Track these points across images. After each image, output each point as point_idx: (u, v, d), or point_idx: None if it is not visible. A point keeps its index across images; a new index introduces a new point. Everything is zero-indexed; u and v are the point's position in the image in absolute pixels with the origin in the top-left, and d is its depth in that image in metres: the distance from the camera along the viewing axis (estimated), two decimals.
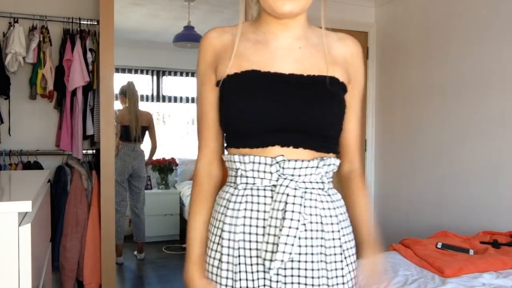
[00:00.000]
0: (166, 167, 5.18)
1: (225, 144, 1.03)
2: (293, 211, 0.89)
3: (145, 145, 4.43)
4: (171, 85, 5.99)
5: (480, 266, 2.02)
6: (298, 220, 0.89)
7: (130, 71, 5.82)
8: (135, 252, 4.36)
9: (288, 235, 0.88)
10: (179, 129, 6.01)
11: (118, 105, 4.34)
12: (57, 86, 2.87)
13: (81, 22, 2.95)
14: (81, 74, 2.80)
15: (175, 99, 5.98)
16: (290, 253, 0.89)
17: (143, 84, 5.83)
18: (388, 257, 2.24)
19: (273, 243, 0.90)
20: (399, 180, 3.80)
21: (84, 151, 2.96)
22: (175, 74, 6.04)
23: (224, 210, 0.97)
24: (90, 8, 3.02)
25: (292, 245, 0.88)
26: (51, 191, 2.70)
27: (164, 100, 6.05)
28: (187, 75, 5.92)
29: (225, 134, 1.03)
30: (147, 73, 5.87)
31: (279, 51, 0.98)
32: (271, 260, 0.90)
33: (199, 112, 1.04)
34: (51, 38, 2.89)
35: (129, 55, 5.61)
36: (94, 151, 3.03)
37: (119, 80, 5.66)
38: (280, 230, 0.89)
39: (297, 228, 0.89)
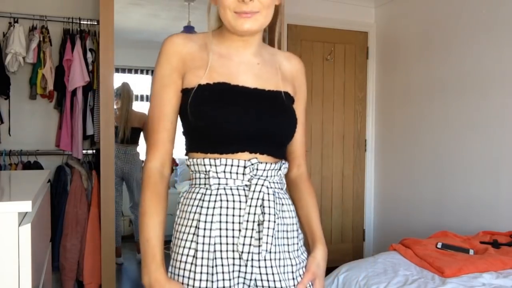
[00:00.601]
0: None
1: (186, 150, 1.09)
2: (269, 207, 1.00)
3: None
4: None
5: (480, 266, 2.02)
6: (275, 214, 1.00)
7: (130, 71, 5.82)
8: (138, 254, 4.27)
9: (268, 228, 0.99)
10: (178, 129, 6.00)
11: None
12: (57, 86, 2.87)
13: (81, 22, 2.95)
14: (81, 74, 2.80)
15: None
16: (271, 244, 0.99)
17: (143, 84, 5.83)
18: (388, 257, 2.24)
19: (251, 237, 0.98)
20: (399, 180, 3.80)
21: (84, 151, 2.96)
22: None
23: (198, 210, 1.01)
24: (90, 8, 3.02)
25: (272, 236, 0.99)
26: (51, 191, 2.70)
27: None
28: None
29: (186, 140, 1.09)
30: (147, 73, 5.87)
31: (241, 66, 1.07)
32: (248, 252, 0.98)
33: (156, 113, 1.06)
34: (51, 38, 2.89)
35: (129, 55, 5.60)
36: (94, 151, 3.03)
37: (119, 80, 5.67)
38: (259, 224, 1.00)
39: (274, 222, 1.00)
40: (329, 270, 2.28)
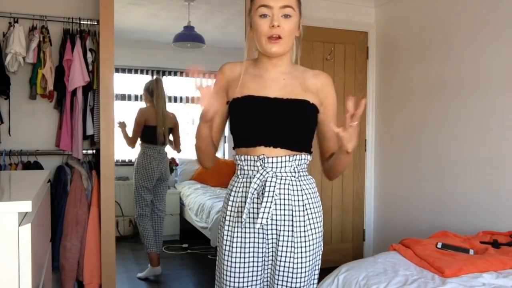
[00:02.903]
0: None
1: (233, 145, 1.50)
2: (268, 191, 1.37)
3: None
4: (171, 85, 5.99)
5: (480, 266, 2.03)
6: (272, 197, 1.36)
7: (130, 71, 5.82)
8: (149, 266, 3.84)
9: (265, 206, 1.35)
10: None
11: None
12: (57, 86, 2.87)
13: (81, 22, 2.95)
14: (81, 74, 2.80)
15: (175, 99, 5.98)
16: (267, 218, 1.35)
17: (143, 84, 5.82)
18: (388, 257, 2.24)
19: (258, 209, 1.39)
20: (399, 180, 3.80)
21: (84, 151, 2.96)
22: (175, 74, 6.04)
23: (230, 192, 1.48)
24: (90, 8, 3.02)
25: (269, 212, 1.35)
26: (51, 191, 2.70)
27: None
28: (187, 75, 5.92)
29: (232, 138, 1.48)
30: (147, 73, 5.87)
31: (268, 82, 1.45)
32: (252, 222, 1.41)
33: None
34: (51, 38, 2.89)
35: (129, 55, 5.60)
36: (94, 151, 3.03)
37: (119, 80, 5.66)
38: (261, 203, 1.37)
39: (271, 202, 1.36)
40: (329, 270, 2.29)
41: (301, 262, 1.39)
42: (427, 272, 2.03)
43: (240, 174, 1.45)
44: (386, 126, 3.97)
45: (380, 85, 4.05)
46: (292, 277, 1.39)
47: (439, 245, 2.32)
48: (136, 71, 5.85)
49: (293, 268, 1.39)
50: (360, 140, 4.10)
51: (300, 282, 1.40)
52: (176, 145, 4.10)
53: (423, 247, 2.28)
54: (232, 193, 1.46)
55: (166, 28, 4.97)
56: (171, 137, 4.06)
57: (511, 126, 2.80)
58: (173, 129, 4.03)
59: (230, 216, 1.45)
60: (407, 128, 3.69)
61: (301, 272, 1.40)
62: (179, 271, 3.99)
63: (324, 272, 2.39)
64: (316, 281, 1.50)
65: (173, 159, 5.53)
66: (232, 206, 1.45)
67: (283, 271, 1.40)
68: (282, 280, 1.40)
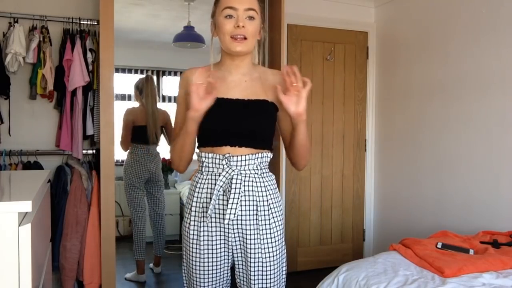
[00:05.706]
0: (166, 167, 5.16)
1: (197, 144, 1.55)
2: (235, 188, 1.44)
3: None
4: (171, 85, 5.99)
5: (480, 266, 2.03)
6: (239, 193, 1.44)
7: (130, 71, 5.83)
8: (151, 265, 3.99)
9: (232, 203, 1.43)
10: None
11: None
12: (57, 86, 2.87)
13: (81, 22, 2.95)
14: (81, 74, 2.80)
15: (175, 99, 5.98)
16: (235, 214, 1.43)
17: None
18: (388, 257, 2.24)
19: (224, 206, 1.47)
20: (399, 180, 3.80)
21: (84, 151, 2.96)
22: (175, 74, 6.04)
23: (194, 189, 1.53)
24: (90, 8, 3.02)
25: (235, 208, 1.43)
26: (51, 191, 2.70)
27: (164, 100, 6.05)
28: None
29: (197, 137, 1.54)
30: (147, 73, 5.87)
31: (231, 84, 1.53)
32: (223, 216, 1.47)
33: (176, 121, 1.58)
34: (51, 38, 2.89)
35: (129, 55, 5.61)
36: (94, 151, 3.03)
37: (119, 80, 5.67)
38: (227, 200, 1.44)
39: (238, 199, 1.43)
40: (329, 270, 2.29)
41: (269, 252, 1.49)
42: (427, 272, 2.03)
43: (204, 171, 1.50)
44: (386, 126, 3.97)
45: (380, 85, 4.05)
46: (263, 267, 1.49)
47: (439, 245, 2.32)
48: (136, 71, 5.86)
49: (263, 259, 1.48)
50: (360, 140, 4.10)
51: (271, 270, 1.50)
52: (169, 142, 3.87)
53: (423, 247, 2.28)
54: (197, 190, 1.51)
55: (166, 28, 4.97)
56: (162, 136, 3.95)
57: (511, 126, 2.80)
58: (165, 126, 3.89)
59: (196, 211, 1.50)
60: (407, 128, 3.69)
61: (271, 261, 1.50)
62: (179, 271, 3.99)
63: (324, 272, 2.39)
64: (285, 272, 1.59)
65: None
66: (197, 202, 1.50)
67: (255, 263, 1.48)
68: (255, 271, 1.49)
